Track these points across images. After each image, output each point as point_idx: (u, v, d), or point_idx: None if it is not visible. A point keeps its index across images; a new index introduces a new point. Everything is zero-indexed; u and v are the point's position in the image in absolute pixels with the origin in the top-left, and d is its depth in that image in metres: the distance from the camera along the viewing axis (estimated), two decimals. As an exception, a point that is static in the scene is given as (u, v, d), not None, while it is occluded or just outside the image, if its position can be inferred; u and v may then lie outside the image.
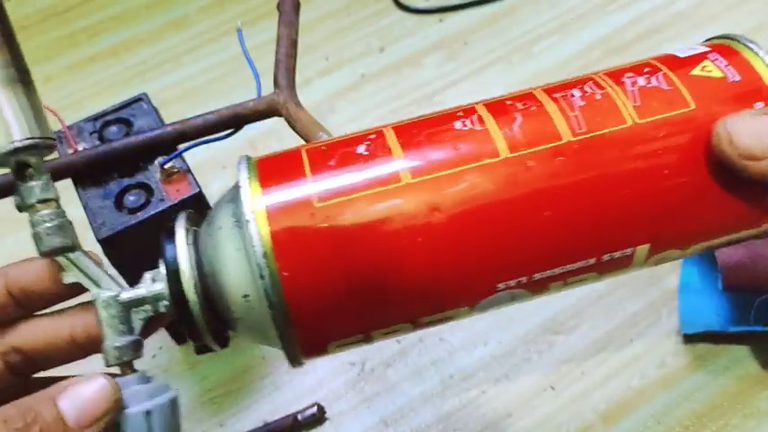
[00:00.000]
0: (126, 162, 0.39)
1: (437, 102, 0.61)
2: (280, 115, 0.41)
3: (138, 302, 0.24)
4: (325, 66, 0.66)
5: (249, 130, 0.42)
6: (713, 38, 0.28)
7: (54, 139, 0.24)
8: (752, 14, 0.66)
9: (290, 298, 0.23)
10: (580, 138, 0.24)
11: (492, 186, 0.23)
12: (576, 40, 0.66)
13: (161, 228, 0.25)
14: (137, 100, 0.43)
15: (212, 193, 0.57)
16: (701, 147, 0.24)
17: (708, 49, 0.26)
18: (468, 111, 0.25)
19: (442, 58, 0.65)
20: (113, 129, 0.41)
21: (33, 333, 0.25)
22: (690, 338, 0.47)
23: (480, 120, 0.25)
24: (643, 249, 0.25)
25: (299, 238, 0.23)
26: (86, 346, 0.25)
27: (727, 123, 0.23)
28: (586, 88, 0.25)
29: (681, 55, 0.26)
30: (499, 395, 0.46)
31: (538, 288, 0.25)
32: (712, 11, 0.66)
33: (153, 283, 0.24)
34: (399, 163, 0.24)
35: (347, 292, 0.23)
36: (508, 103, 0.25)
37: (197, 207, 0.39)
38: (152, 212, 0.37)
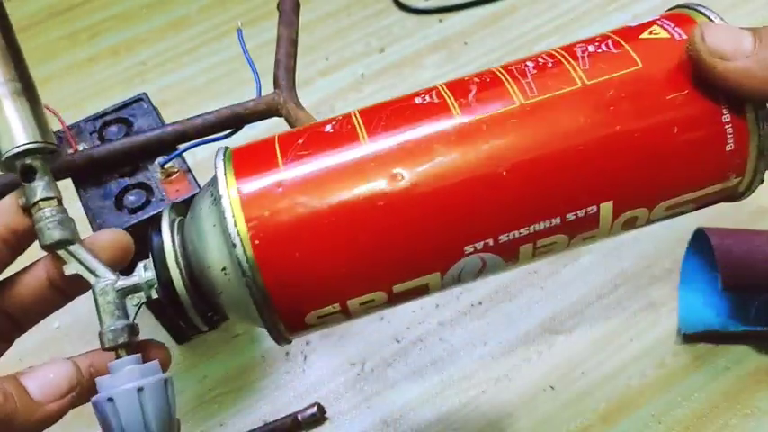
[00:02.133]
0: (126, 162, 0.39)
1: (437, 102, 0.61)
2: (280, 115, 0.41)
3: (132, 290, 0.26)
4: (325, 66, 0.66)
5: (249, 130, 0.42)
6: (670, 8, 0.28)
7: (57, 145, 0.26)
8: (752, 14, 0.66)
9: (262, 264, 0.24)
10: (532, 101, 0.25)
11: (449, 151, 0.24)
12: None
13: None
14: (137, 100, 0.43)
15: (212, 193, 0.57)
16: (651, 101, 0.25)
17: (659, 17, 0.27)
18: (429, 90, 0.26)
19: (442, 58, 0.66)
20: (113, 129, 0.41)
21: (10, 288, 0.26)
22: (690, 338, 0.47)
23: (439, 94, 0.26)
24: (607, 207, 0.25)
25: (268, 206, 0.24)
26: (66, 289, 0.26)
27: (703, 26, 0.24)
28: (539, 59, 0.26)
29: (632, 24, 0.27)
30: (499, 395, 0.46)
31: (507, 253, 0.26)
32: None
33: (145, 271, 0.26)
34: (363, 136, 0.25)
35: (316, 257, 0.24)
36: (466, 78, 0.27)
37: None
38: (152, 212, 0.37)
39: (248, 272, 0.24)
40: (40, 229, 0.25)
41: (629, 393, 0.46)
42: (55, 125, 0.41)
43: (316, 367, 0.48)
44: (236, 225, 0.23)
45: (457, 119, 0.25)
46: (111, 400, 0.23)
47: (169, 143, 0.39)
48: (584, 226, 0.25)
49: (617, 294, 0.50)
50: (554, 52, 0.27)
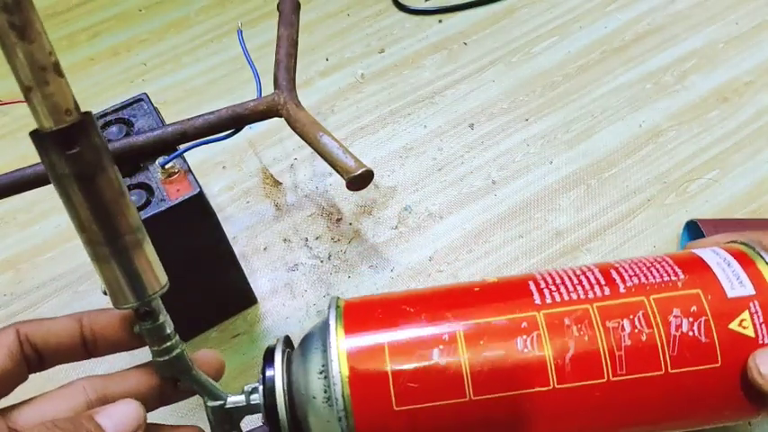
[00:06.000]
0: (126, 162, 0.39)
1: (437, 102, 0.61)
2: (280, 116, 0.41)
3: (239, 409, 0.30)
4: (325, 66, 0.66)
5: (249, 130, 0.42)
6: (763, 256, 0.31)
7: (167, 283, 0.26)
8: (752, 14, 0.66)
9: None
10: (619, 378, 0.28)
11: (537, 412, 0.28)
12: (575, 41, 0.66)
13: (264, 354, 0.31)
14: (137, 100, 0.43)
15: (213, 193, 0.57)
16: (716, 394, 0.29)
17: (753, 292, 0.29)
18: (531, 324, 0.29)
19: (441, 58, 0.66)
20: (113, 129, 0.41)
21: (115, 383, 0.28)
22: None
23: (539, 341, 0.28)
24: None
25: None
26: (174, 396, 0.29)
27: (757, 357, 0.28)
28: (636, 323, 0.29)
29: (729, 294, 0.29)
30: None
31: None
32: (712, 11, 0.66)
33: (250, 395, 0.31)
34: (467, 380, 0.28)
35: None
36: (566, 321, 0.29)
37: (197, 207, 0.39)
38: (153, 213, 0.37)
39: None
40: (158, 363, 0.27)
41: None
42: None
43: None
44: None
45: (551, 380, 0.28)
46: None
47: (169, 143, 0.39)
48: None
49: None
50: (650, 313, 0.29)
